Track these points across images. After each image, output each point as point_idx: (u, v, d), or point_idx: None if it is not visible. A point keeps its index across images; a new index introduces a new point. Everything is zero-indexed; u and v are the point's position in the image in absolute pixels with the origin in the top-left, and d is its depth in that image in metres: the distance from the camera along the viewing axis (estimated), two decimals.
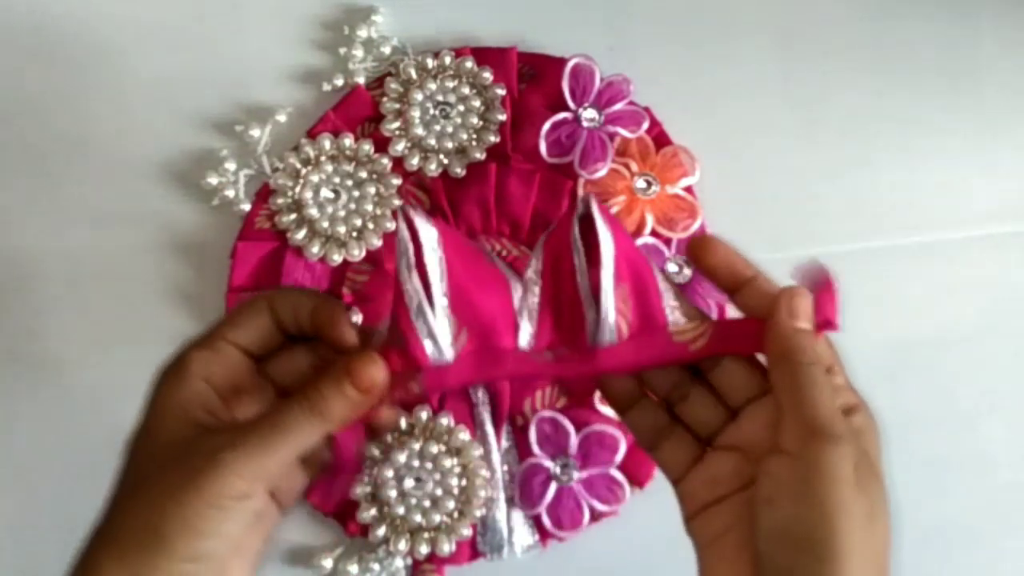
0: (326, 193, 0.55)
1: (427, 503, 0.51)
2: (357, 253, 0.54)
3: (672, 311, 0.35)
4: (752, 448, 0.34)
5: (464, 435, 0.52)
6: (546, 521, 0.52)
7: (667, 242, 0.55)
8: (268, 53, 0.58)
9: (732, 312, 0.54)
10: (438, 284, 0.34)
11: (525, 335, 0.35)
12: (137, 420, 0.34)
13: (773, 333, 0.33)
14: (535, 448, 0.52)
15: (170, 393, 0.34)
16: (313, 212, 0.54)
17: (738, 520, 0.34)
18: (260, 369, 0.36)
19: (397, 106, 0.56)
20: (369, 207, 0.55)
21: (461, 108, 0.56)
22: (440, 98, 0.56)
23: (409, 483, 0.51)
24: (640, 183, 0.55)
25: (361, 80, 0.57)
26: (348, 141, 0.55)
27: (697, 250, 0.35)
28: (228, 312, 0.36)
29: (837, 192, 0.57)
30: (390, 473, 0.51)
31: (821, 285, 0.34)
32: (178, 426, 0.33)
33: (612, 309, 0.33)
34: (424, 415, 0.52)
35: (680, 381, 0.36)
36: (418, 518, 0.51)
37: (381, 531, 0.51)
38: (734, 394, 0.36)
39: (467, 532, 0.52)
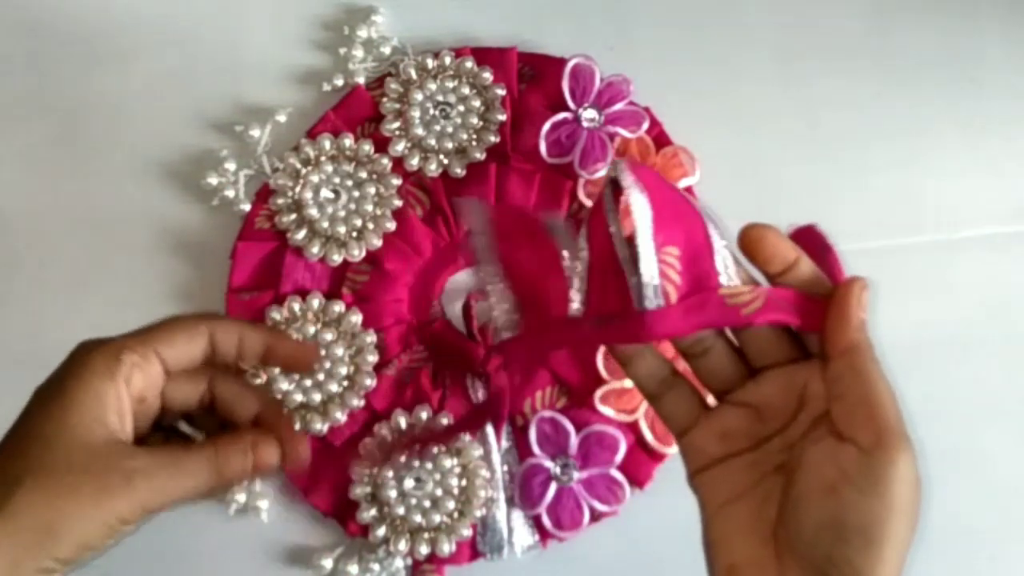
0: (326, 193, 0.55)
1: (427, 503, 0.51)
2: (357, 253, 0.54)
3: (726, 270, 0.33)
4: (769, 410, 0.35)
5: (464, 435, 0.52)
6: (546, 521, 0.52)
7: None
8: (268, 53, 0.58)
9: None
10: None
11: (576, 302, 0.34)
12: (54, 375, 0.35)
13: (842, 324, 0.33)
14: (535, 448, 0.52)
15: (95, 382, 0.35)
16: (313, 212, 0.54)
17: (752, 487, 0.34)
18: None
19: (397, 106, 0.56)
20: (369, 207, 0.55)
21: (461, 108, 0.56)
22: (440, 98, 0.56)
23: (409, 483, 0.51)
24: None
25: (361, 80, 0.57)
26: (348, 141, 0.55)
27: (751, 243, 0.34)
28: (166, 322, 0.38)
29: (837, 192, 0.57)
30: (390, 473, 0.51)
31: (821, 250, 0.34)
32: (92, 421, 0.34)
33: (654, 274, 0.32)
34: (424, 415, 0.52)
35: (705, 335, 0.36)
36: (418, 518, 0.51)
37: (381, 531, 0.51)
38: (760, 356, 0.35)
39: (467, 532, 0.52)
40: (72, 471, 0.33)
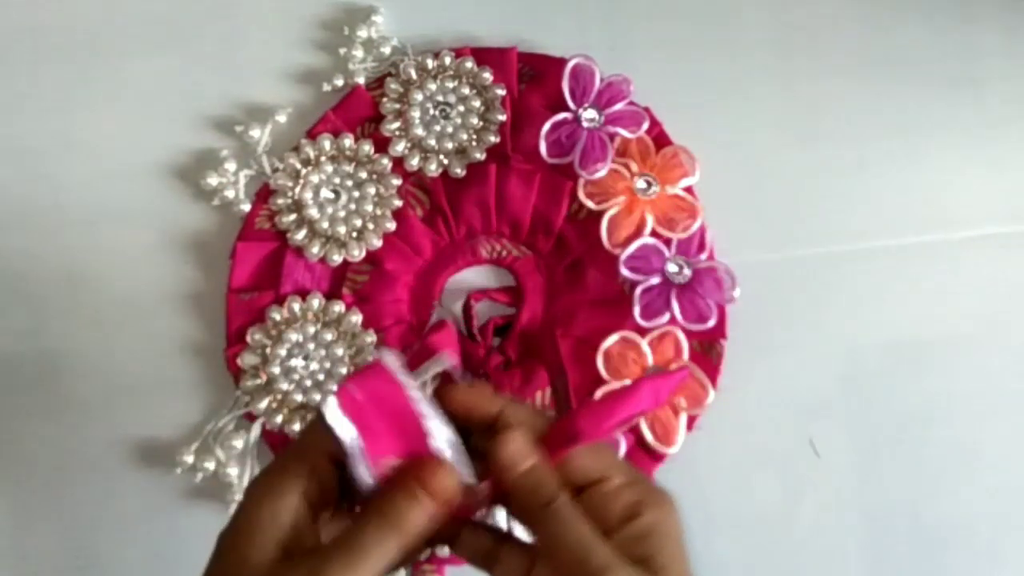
0: (326, 193, 0.55)
1: None
2: (357, 253, 0.54)
3: (461, 466, 0.33)
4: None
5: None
6: None
7: (667, 242, 0.55)
8: (268, 53, 0.58)
9: (731, 317, 0.55)
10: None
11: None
12: (228, 523, 0.33)
13: (503, 491, 0.32)
14: None
15: (263, 507, 0.33)
16: (313, 212, 0.54)
17: None
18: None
19: (397, 106, 0.56)
20: (369, 207, 0.55)
21: (461, 108, 0.56)
22: (440, 98, 0.56)
23: None
24: (640, 183, 0.55)
25: (361, 80, 0.57)
26: (348, 141, 0.55)
27: (441, 399, 0.34)
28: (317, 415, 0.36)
29: (837, 192, 0.57)
30: None
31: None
32: (265, 547, 0.32)
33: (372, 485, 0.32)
34: None
35: (489, 545, 0.35)
36: None
37: None
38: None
39: None
40: None
